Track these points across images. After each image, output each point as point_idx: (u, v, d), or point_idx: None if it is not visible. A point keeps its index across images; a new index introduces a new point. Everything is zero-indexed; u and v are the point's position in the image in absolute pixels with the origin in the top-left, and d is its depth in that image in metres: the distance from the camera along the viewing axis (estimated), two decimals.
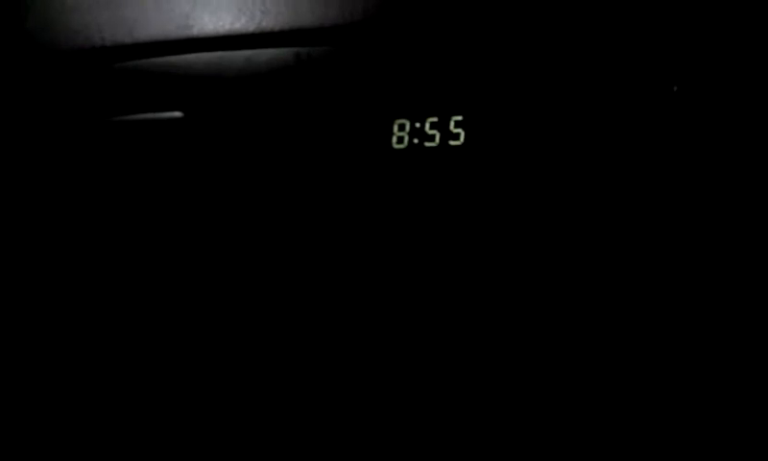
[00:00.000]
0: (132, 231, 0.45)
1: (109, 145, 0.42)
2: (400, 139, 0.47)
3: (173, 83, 0.43)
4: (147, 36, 0.42)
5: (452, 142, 0.47)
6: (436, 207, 0.47)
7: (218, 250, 0.48)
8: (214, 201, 0.46)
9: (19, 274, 0.46)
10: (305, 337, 0.49)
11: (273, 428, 0.48)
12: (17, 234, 0.46)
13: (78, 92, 0.42)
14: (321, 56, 0.47)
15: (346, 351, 0.48)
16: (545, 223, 0.45)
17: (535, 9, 0.45)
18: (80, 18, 0.43)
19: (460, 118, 0.47)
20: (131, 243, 0.46)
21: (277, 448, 0.48)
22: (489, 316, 0.46)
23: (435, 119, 0.47)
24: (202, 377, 0.48)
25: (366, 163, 0.48)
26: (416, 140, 0.47)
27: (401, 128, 0.47)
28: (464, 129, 0.47)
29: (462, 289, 0.47)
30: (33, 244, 0.46)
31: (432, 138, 0.47)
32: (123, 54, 0.42)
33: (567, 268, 0.45)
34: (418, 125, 0.47)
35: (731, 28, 0.41)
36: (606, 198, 0.44)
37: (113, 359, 0.48)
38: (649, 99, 0.43)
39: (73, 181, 0.44)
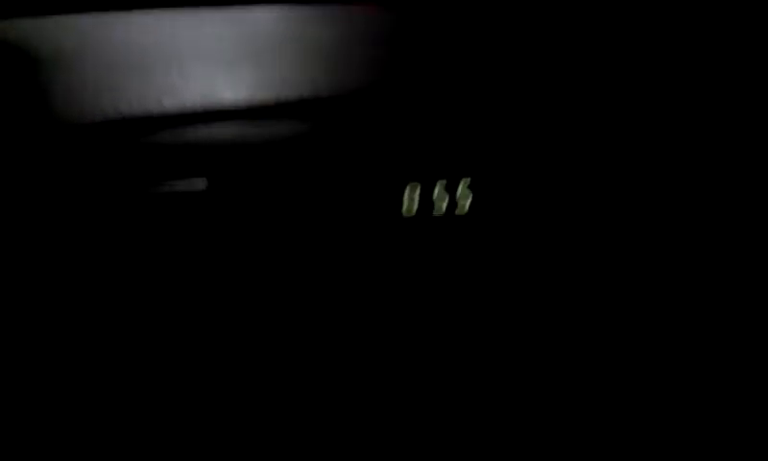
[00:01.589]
0: (161, 296, 0.43)
1: (137, 214, 0.41)
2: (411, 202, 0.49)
3: (196, 152, 0.42)
4: (170, 109, 0.41)
5: (462, 203, 0.49)
6: (446, 270, 0.49)
7: (237, 311, 0.46)
8: (236, 263, 0.46)
9: (50, 349, 0.43)
10: (318, 401, 0.48)
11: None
12: (45, 305, 0.43)
13: (104, 163, 0.40)
14: (337, 123, 0.47)
15: (358, 415, 0.48)
16: (554, 282, 0.48)
17: (542, 73, 0.48)
18: (103, 89, 0.41)
19: (468, 181, 0.49)
20: (159, 312, 0.44)
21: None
22: (502, 379, 0.48)
23: (444, 182, 0.49)
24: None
25: (380, 226, 0.48)
26: (426, 203, 0.49)
27: (413, 191, 0.49)
28: (472, 191, 0.49)
29: (476, 353, 0.48)
30: (59, 316, 0.43)
31: (442, 200, 0.49)
32: (149, 124, 0.40)
33: (577, 329, 0.47)
34: (428, 188, 0.49)
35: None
36: (616, 259, 0.47)
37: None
38: (654, 156, 0.46)
39: (102, 251, 0.41)
